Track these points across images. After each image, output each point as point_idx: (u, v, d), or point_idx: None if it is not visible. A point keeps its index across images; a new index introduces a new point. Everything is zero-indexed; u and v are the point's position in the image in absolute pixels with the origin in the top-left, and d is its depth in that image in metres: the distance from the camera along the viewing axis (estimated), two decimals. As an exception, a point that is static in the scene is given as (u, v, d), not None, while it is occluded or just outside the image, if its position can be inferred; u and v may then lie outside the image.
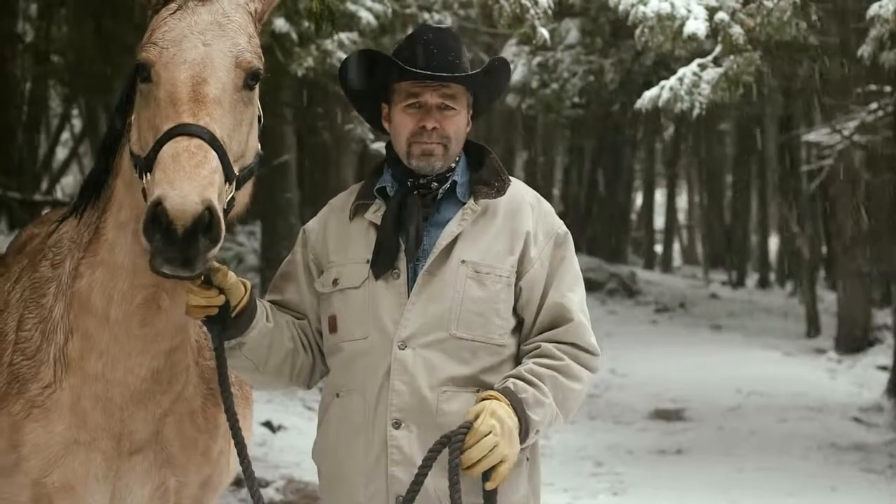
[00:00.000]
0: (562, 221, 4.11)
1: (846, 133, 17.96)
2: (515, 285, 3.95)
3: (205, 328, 3.94)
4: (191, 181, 3.32)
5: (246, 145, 3.67)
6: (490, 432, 3.66)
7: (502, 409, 3.71)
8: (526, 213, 4.01)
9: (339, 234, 4.07)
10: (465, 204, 3.99)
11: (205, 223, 3.30)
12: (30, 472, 3.92)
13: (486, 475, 3.70)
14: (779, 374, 19.25)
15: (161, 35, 3.60)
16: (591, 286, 27.54)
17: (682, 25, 8.93)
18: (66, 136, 25.37)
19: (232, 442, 3.89)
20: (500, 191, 4.01)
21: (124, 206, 3.84)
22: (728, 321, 28.53)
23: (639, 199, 49.21)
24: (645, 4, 8.96)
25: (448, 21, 14.52)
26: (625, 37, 17.81)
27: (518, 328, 3.99)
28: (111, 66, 14.07)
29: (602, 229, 37.14)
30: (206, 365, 4.13)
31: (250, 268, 19.36)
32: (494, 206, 4.00)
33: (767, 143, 31.12)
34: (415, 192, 3.98)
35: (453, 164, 4.02)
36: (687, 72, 9.62)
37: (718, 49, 9.49)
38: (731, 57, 9.38)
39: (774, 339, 24.89)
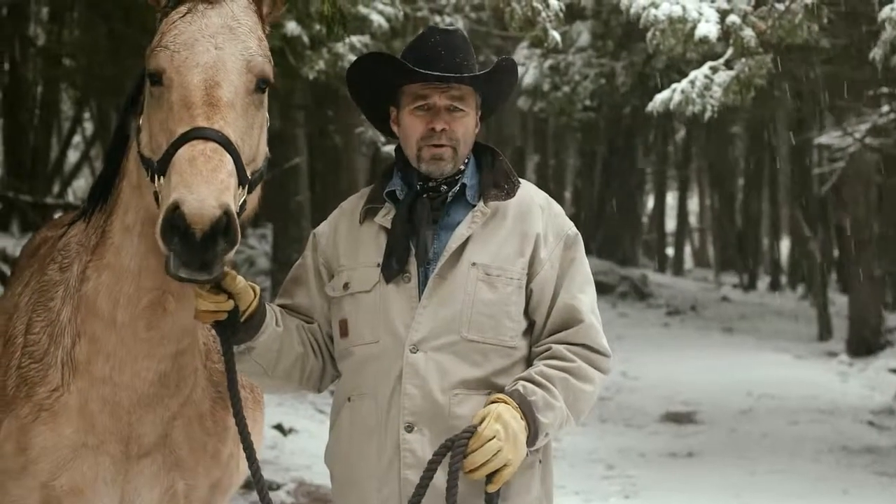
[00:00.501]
0: (572, 223, 4.10)
1: (858, 136, 17.93)
2: (526, 287, 3.95)
3: (214, 332, 3.93)
4: (208, 185, 3.32)
5: (257, 149, 3.67)
6: (494, 437, 3.65)
7: (508, 412, 3.71)
8: (536, 215, 4.01)
9: (349, 237, 4.06)
10: (474, 206, 3.98)
11: (222, 227, 3.30)
12: (38, 475, 3.93)
13: (490, 478, 3.70)
14: (790, 377, 19.22)
15: (172, 39, 3.59)
16: (603, 289, 27.53)
17: (693, 28, 8.91)
18: (77, 138, 25.41)
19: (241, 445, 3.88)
20: (510, 193, 4.01)
21: (130, 208, 3.84)
22: (739, 324, 28.51)
23: (650, 202, 49.13)
24: (656, 7, 8.94)
25: (459, 24, 14.53)
26: (636, 39, 17.78)
27: (529, 330, 3.98)
28: (123, 69, 14.07)
29: (613, 232, 37.07)
30: (215, 368, 4.12)
31: (261, 271, 19.38)
32: (504, 209, 3.99)
33: (779, 146, 31.05)
34: (424, 196, 3.98)
35: (462, 167, 4.02)
36: (698, 75, 9.61)
37: (730, 52, 9.47)
38: (743, 60, 9.36)
39: (786, 342, 24.87)
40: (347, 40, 11.24)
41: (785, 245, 43.54)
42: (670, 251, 47.34)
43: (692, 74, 9.72)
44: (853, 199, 22.55)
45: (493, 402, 3.76)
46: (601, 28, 19.60)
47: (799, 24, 8.97)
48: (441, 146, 3.93)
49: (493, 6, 8.16)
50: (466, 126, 3.99)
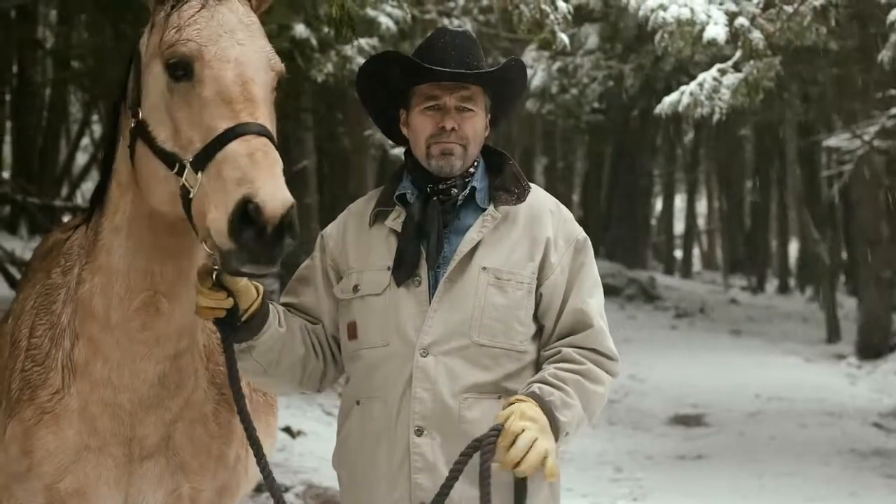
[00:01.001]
0: (581, 228, 4.11)
1: (866, 138, 17.91)
2: (536, 291, 3.95)
3: (216, 328, 3.92)
4: (273, 179, 3.32)
5: None
6: (523, 430, 3.64)
7: (532, 409, 3.70)
8: (546, 220, 4.01)
9: (358, 240, 4.06)
10: (484, 210, 3.98)
11: (291, 221, 3.32)
12: (43, 477, 3.93)
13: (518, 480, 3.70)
14: (799, 380, 19.21)
15: (196, 32, 3.54)
16: (611, 291, 27.51)
17: (701, 30, 8.90)
18: (86, 141, 25.41)
19: (251, 448, 3.86)
20: (521, 197, 4.01)
21: (119, 209, 3.83)
22: (748, 326, 28.48)
23: (658, 205, 49.12)
24: (665, 9, 8.94)
25: (468, 26, 14.52)
26: (644, 42, 17.77)
27: (538, 334, 3.99)
28: (131, 72, 14.08)
29: (621, 234, 37.07)
30: (218, 370, 4.10)
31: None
32: (515, 213, 3.99)
33: (787, 149, 31.02)
34: (435, 199, 3.98)
35: (472, 170, 4.02)
36: (707, 77, 9.61)
37: (738, 54, 9.46)
38: (751, 62, 9.35)
39: (794, 345, 24.84)
40: (356, 43, 11.26)
41: (793, 247, 43.51)
42: (679, 253, 47.30)
43: (700, 77, 9.72)
44: (862, 201, 22.53)
45: (512, 404, 3.75)
46: (609, 30, 19.58)
47: (807, 26, 8.96)
48: (450, 142, 3.93)
49: (501, 8, 8.16)
50: (476, 126, 3.99)
